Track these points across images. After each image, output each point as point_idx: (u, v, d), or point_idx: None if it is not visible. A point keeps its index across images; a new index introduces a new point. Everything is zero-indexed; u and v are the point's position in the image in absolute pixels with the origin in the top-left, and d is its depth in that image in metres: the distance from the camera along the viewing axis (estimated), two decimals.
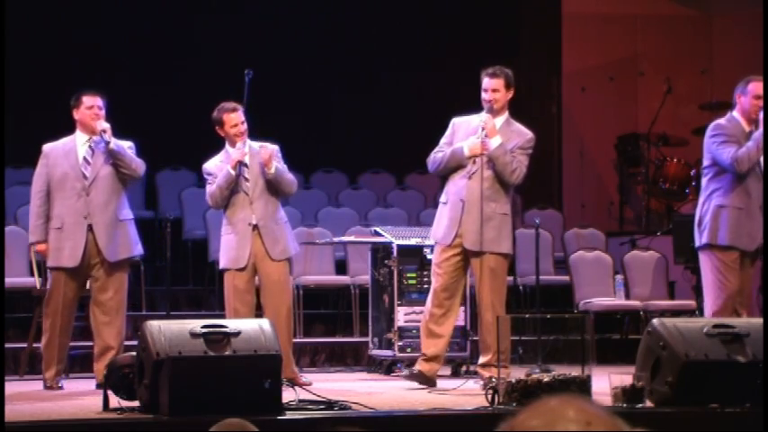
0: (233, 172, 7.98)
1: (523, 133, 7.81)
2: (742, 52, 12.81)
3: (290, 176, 8.12)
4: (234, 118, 8.08)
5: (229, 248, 8.04)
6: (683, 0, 13.63)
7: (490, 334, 7.60)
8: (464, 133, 7.80)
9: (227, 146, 8.17)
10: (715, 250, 7.66)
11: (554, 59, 13.22)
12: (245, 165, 8.04)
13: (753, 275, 7.97)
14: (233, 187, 8.02)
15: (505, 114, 7.82)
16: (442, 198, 7.88)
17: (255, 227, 8.01)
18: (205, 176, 8.20)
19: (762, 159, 7.68)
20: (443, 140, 7.88)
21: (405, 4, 12.95)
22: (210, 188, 8.06)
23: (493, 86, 7.74)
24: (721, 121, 7.86)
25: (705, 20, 13.66)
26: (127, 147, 8.11)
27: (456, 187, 7.74)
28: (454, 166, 7.74)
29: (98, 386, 7.39)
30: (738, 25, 13.20)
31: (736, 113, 7.79)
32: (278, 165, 8.03)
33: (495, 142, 7.66)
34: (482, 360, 7.75)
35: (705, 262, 7.74)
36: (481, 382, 7.46)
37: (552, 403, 1.77)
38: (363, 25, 12.85)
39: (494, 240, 7.67)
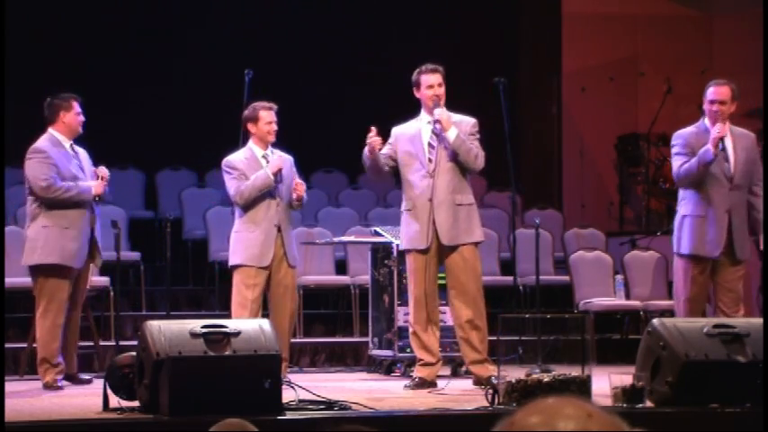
0: (272, 177, 8.01)
1: (467, 120, 7.84)
2: (742, 52, 12.81)
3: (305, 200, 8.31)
4: (270, 115, 8.15)
5: (251, 246, 8.02)
6: (683, 0, 13.63)
7: (477, 329, 7.58)
8: (406, 140, 7.79)
9: (252, 143, 8.17)
10: (682, 258, 7.88)
11: (554, 59, 13.22)
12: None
13: (746, 275, 8.07)
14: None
15: (443, 107, 7.82)
16: (406, 205, 7.83)
17: (279, 229, 8.05)
18: (227, 170, 8.12)
19: (731, 164, 7.76)
20: (384, 149, 7.85)
21: (404, 5, 12.95)
22: (241, 186, 8.01)
23: (438, 81, 7.77)
24: (685, 129, 7.97)
25: (705, 20, 13.66)
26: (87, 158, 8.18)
27: (419, 189, 7.72)
28: (375, 173, 7.82)
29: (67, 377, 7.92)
30: (738, 25, 13.20)
31: (706, 120, 7.86)
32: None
33: (452, 134, 7.68)
34: (473, 357, 7.67)
35: (675, 266, 8.07)
36: (480, 383, 7.45)
37: (550, 401, 1.77)
38: (363, 26, 12.85)
39: (466, 231, 7.71)
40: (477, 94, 8.34)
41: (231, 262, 8.14)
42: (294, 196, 8.13)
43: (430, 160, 7.70)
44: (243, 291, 8.02)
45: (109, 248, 8.84)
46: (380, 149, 7.75)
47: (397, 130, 7.92)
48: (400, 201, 11.93)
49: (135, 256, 10.48)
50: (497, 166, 8.90)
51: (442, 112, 7.70)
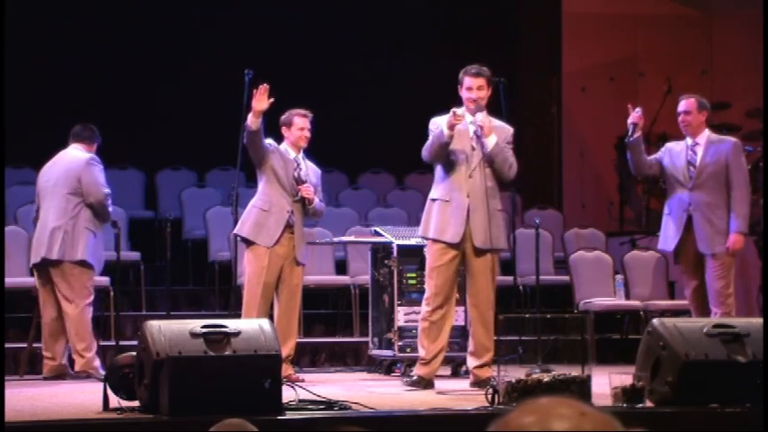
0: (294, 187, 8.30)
1: (506, 128, 7.80)
2: (742, 52, 12.82)
3: (322, 210, 8.60)
4: (303, 122, 8.47)
5: (262, 225, 8.22)
6: (682, 0, 13.63)
7: (491, 334, 7.57)
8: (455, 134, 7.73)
9: (286, 145, 8.45)
10: None
11: (554, 59, 13.22)
12: (302, 180, 8.41)
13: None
14: (287, 181, 8.32)
15: (485, 112, 7.77)
16: (443, 196, 7.68)
17: (291, 226, 8.26)
18: (268, 144, 8.30)
19: (696, 167, 8.24)
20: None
21: (405, 5, 12.95)
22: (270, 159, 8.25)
23: (478, 84, 7.68)
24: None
25: (705, 20, 13.66)
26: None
27: (458, 185, 7.64)
28: (439, 150, 7.60)
29: None
30: (738, 25, 13.21)
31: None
32: (316, 198, 8.44)
33: (491, 141, 7.63)
34: (481, 361, 7.66)
35: None
36: (478, 384, 7.43)
37: (543, 401, 1.77)
38: (364, 26, 12.85)
39: (498, 238, 7.67)
40: None
41: (245, 234, 8.26)
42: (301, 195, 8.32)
43: (468, 161, 7.65)
44: (256, 267, 8.17)
45: (109, 248, 8.86)
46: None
47: (439, 120, 7.70)
48: (400, 201, 12.04)
49: (135, 256, 10.47)
50: None
51: (484, 118, 7.62)
